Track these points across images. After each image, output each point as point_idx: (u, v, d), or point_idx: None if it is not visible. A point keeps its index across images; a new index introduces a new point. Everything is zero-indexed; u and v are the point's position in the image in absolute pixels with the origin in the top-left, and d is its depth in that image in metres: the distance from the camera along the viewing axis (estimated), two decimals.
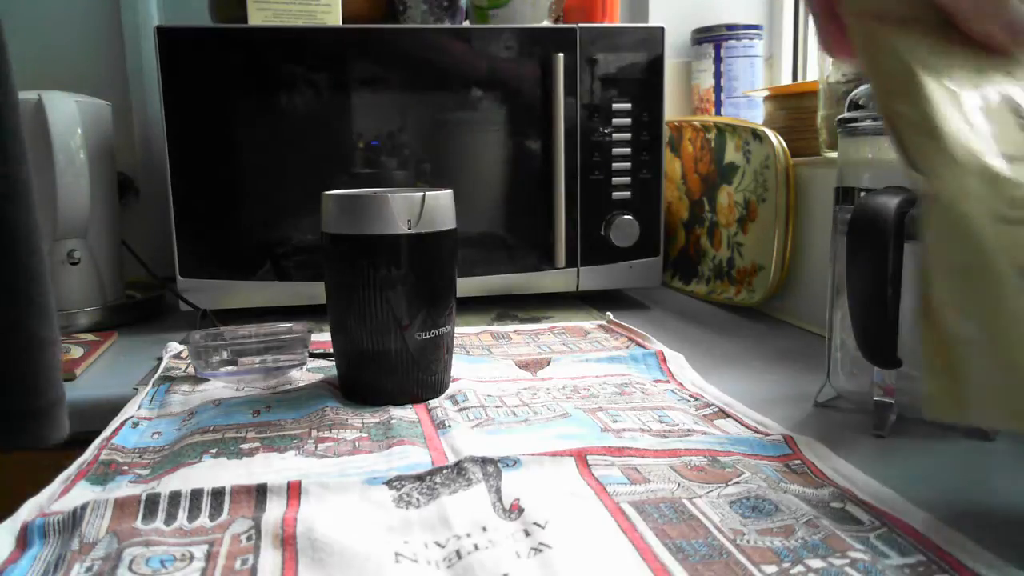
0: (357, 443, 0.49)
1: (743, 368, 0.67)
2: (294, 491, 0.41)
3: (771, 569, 0.34)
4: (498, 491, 0.41)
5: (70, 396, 0.50)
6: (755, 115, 1.05)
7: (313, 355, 0.68)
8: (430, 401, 0.57)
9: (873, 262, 0.47)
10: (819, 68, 0.78)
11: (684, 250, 1.01)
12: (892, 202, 0.47)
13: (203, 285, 0.83)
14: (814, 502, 0.40)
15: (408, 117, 0.84)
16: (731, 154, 0.90)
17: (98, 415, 0.56)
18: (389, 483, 0.42)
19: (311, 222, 0.80)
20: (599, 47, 0.86)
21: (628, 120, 0.87)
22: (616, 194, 0.88)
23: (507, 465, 0.44)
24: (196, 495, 0.41)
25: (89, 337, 0.78)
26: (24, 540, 0.37)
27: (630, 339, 0.73)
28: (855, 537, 0.36)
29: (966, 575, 0.33)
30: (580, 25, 0.85)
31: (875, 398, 0.51)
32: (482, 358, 0.68)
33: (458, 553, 0.35)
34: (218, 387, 0.62)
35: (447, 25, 0.90)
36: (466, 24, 0.93)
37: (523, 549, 0.36)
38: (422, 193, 0.55)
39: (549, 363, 0.66)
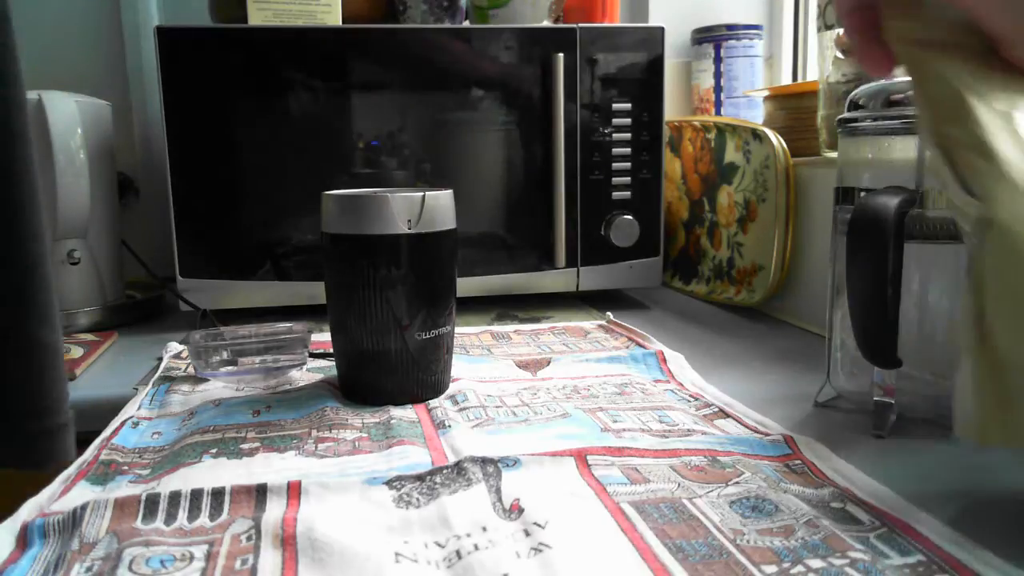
0: (357, 443, 0.49)
1: (743, 368, 0.67)
2: (294, 491, 0.41)
3: (771, 569, 0.34)
4: (498, 491, 0.41)
5: (70, 396, 0.50)
6: (755, 115, 1.05)
7: (313, 355, 0.68)
8: (430, 401, 0.57)
9: (873, 262, 0.47)
10: (819, 68, 0.78)
11: (684, 250, 1.01)
12: (892, 202, 0.47)
13: (203, 285, 0.83)
14: (814, 502, 0.40)
15: (408, 117, 0.84)
16: (731, 154, 0.90)
17: (98, 415, 0.56)
18: (389, 483, 0.42)
19: (311, 222, 0.80)
20: (599, 47, 0.86)
21: (628, 120, 0.87)
22: (616, 194, 0.88)
23: (507, 465, 0.44)
24: (196, 495, 0.41)
25: (89, 337, 0.79)
26: (24, 540, 0.37)
27: (630, 339, 0.73)
28: (855, 537, 0.36)
29: (966, 575, 0.33)
30: (580, 25, 0.85)
31: (875, 398, 0.51)
32: (482, 358, 0.68)
33: (458, 553, 0.35)
34: (218, 387, 0.62)
35: (447, 25, 0.90)
36: (466, 24, 0.93)
37: (523, 549, 0.36)
38: (422, 193, 0.55)
39: (549, 363, 0.66)
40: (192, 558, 0.35)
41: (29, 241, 0.32)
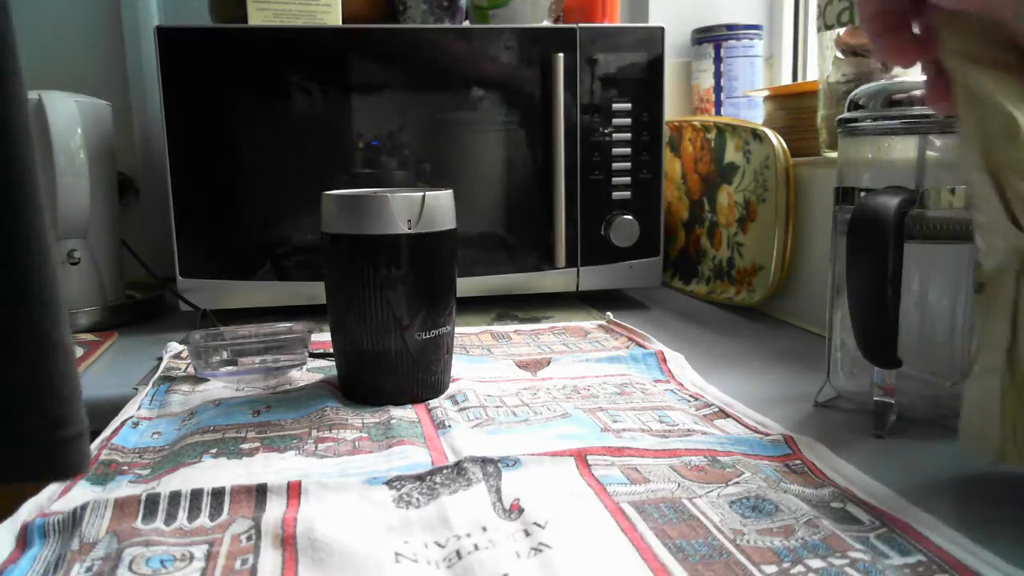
0: (357, 443, 0.49)
1: (743, 368, 0.67)
2: (294, 491, 0.41)
3: (771, 569, 0.34)
4: (498, 491, 0.41)
5: None
6: (755, 115, 1.05)
7: (313, 355, 0.68)
8: (430, 401, 0.57)
9: (873, 262, 0.47)
10: (819, 68, 0.78)
11: (684, 250, 1.01)
12: (892, 202, 0.47)
13: (203, 285, 0.83)
14: (814, 502, 0.40)
15: (408, 117, 0.84)
16: (731, 154, 0.90)
17: (98, 415, 0.56)
18: (389, 483, 0.42)
19: (311, 222, 0.80)
20: (599, 47, 0.86)
21: (628, 120, 0.87)
22: (616, 194, 0.88)
23: (507, 465, 0.44)
24: (196, 495, 0.41)
25: (89, 337, 0.79)
26: (24, 540, 0.37)
27: (630, 339, 0.73)
28: (855, 537, 0.36)
29: (966, 575, 0.33)
30: (580, 25, 0.85)
31: (875, 398, 0.51)
32: (482, 358, 0.68)
33: (458, 553, 0.35)
34: (218, 387, 0.62)
35: (447, 25, 0.90)
36: (466, 24, 0.93)
37: (523, 549, 0.36)
38: (422, 193, 0.55)
39: (549, 363, 0.66)
40: (192, 558, 0.35)
41: (32, 240, 0.32)
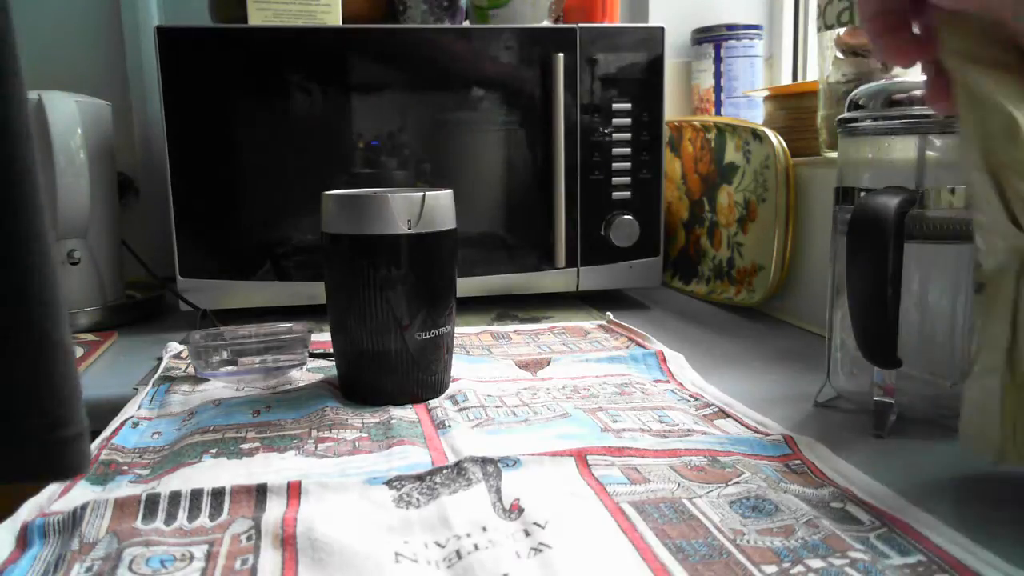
0: (357, 443, 0.49)
1: (743, 368, 0.67)
2: (294, 491, 0.41)
3: (771, 569, 0.34)
4: (498, 491, 0.41)
5: None
6: (755, 115, 1.05)
7: (313, 355, 0.68)
8: (430, 401, 0.57)
9: (873, 262, 0.47)
10: (819, 68, 0.78)
11: (684, 250, 1.01)
12: (892, 202, 0.47)
13: (203, 285, 0.83)
14: (814, 502, 0.40)
15: (408, 117, 0.84)
16: (731, 154, 0.90)
17: (98, 415, 0.56)
18: (389, 483, 0.42)
19: (311, 222, 0.80)
20: (599, 47, 0.86)
21: (628, 120, 0.87)
22: (616, 194, 0.88)
23: (507, 465, 0.44)
24: (196, 495, 0.41)
25: (89, 337, 0.79)
26: (24, 540, 0.37)
27: (630, 339, 0.73)
28: (855, 537, 0.36)
29: (966, 575, 0.33)
30: (580, 25, 0.85)
31: (875, 398, 0.51)
32: (482, 358, 0.68)
33: (458, 553, 0.35)
34: (218, 387, 0.62)
35: (447, 25, 0.90)
36: (466, 24, 0.93)
37: (523, 549, 0.36)
38: (422, 193, 0.55)
39: (549, 363, 0.66)
40: (192, 558, 0.35)
41: (32, 240, 0.32)
